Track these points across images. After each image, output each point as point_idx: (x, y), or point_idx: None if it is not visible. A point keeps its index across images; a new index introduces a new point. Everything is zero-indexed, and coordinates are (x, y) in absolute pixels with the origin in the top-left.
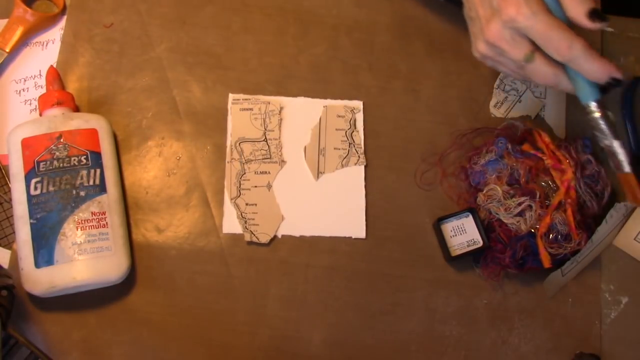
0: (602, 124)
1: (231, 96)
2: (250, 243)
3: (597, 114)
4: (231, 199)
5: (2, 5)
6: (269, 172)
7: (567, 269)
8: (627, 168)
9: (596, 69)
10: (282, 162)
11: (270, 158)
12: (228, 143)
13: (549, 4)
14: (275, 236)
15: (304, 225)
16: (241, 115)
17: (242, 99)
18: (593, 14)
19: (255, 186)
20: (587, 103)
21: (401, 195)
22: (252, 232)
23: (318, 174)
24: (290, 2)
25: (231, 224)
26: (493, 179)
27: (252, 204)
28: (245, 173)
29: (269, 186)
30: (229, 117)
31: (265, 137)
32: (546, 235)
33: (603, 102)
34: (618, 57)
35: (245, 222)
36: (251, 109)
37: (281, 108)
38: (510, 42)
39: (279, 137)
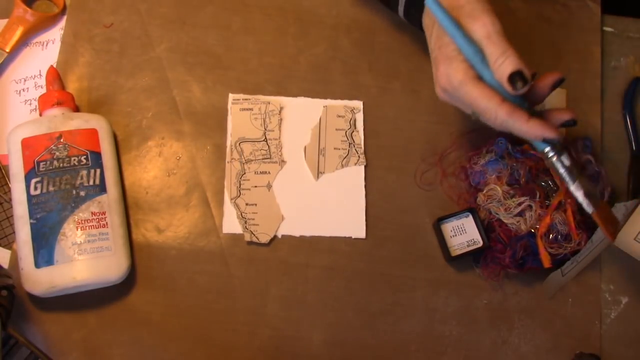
0: (560, 168)
1: (231, 96)
2: (250, 243)
3: (554, 158)
4: (231, 199)
5: (2, 5)
6: (269, 172)
7: (567, 269)
8: (589, 209)
9: (527, 132)
10: (282, 162)
11: (270, 158)
12: (228, 143)
13: (481, 71)
14: (275, 236)
15: (304, 225)
16: (241, 115)
17: (242, 99)
18: (513, 79)
19: (255, 186)
20: (541, 150)
21: (401, 195)
22: (252, 232)
23: (318, 174)
24: (290, 2)
25: (231, 224)
26: (493, 179)
27: (252, 204)
28: (245, 173)
29: (269, 186)
30: (229, 117)
31: (265, 137)
32: (546, 235)
33: (558, 147)
34: (618, 57)
35: (245, 222)
36: (251, 109)
37: (281, 108)
38: (455, 100)
39: (279, 137)
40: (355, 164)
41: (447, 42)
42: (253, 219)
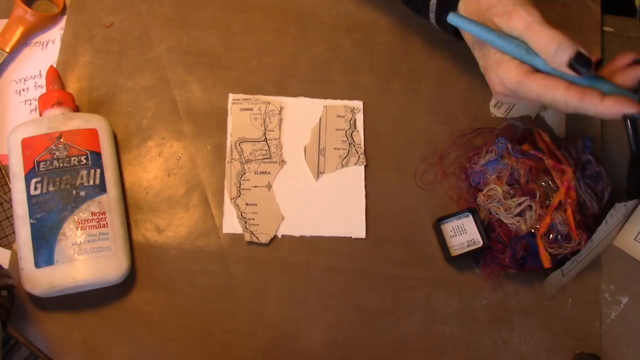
0: None
1: (231, 96)
2: (250, 243)
3: None
4: (231, 199)
5: (2, 5)
6: (269, 172)
7: (567, 269)
8: None
9: (602, 113)
10: (282, 162)
11: (270, 158)
12: (228, 143)
13: (531, 61)
14: (275, 236)
15: (304, 225)
16: (241, 115)
17: (242, 99)
18: (575, 62)
19: (256, 186)
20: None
21: (401, 195)
22: (252, 232)
23: (318, 174)
24: (290, 2)
25: (231, 224)
26: (493, 179)
27: (252, 204)
28: (245, 173)
29: (269, 186)
30: (229, 117)
31: (266, 137)
32: (546, 235)
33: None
34: None
35: (246, 222)
36: (251, 109)
37: (281, 108)
38: (518, 100)
39: (279, 137)
40: (355, 164)
41: (488, 48)
42: (253, 219)
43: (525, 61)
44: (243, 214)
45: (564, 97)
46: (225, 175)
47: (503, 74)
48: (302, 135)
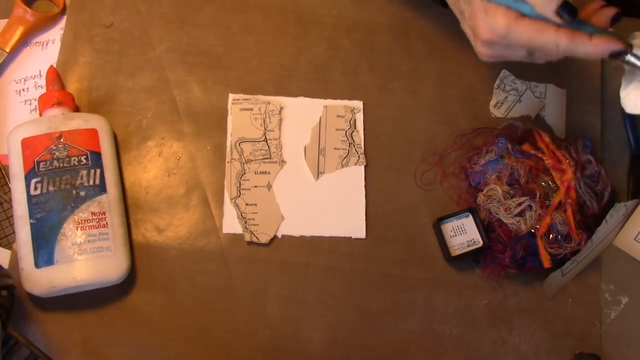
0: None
1: (231, 96)
2: (250, 243)
3: (632, 58)
4: (231, 199)
5: (2, 5)
6: (269, 172)
7: (567, 269)
8: None
9: (592, 52)
10: (282, 162)
11: (270, 158)
12: (228, 143)
13: (520, 7)
14: (275, 236)
15: (304, 225)
16: (241, 115)
17: (242, 99)
18: (562, 10)
19: (255, 186)
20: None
21: (401, 195)
22: (252, 232)
23: (318, 174)
24: (290, 2)
25: (231, 224)
26: (493, 179)
27: (252, 204)
28: (245, 173)
29: (269, 186)
30: (229, 117)
31: (265, 137)
32: (546, 235)
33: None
34: None
35: (245, 222)
36: (251, 109)
37: (281, 108)
38: (504, 49)
39: (279, 137)
40: (356, 164)
41: None
42: (253, 219)
43: (513, 8)
44: (243, 214)
45: (554, 39)
46: (225, 175)
47: (491, 18)
48: (302, 135)
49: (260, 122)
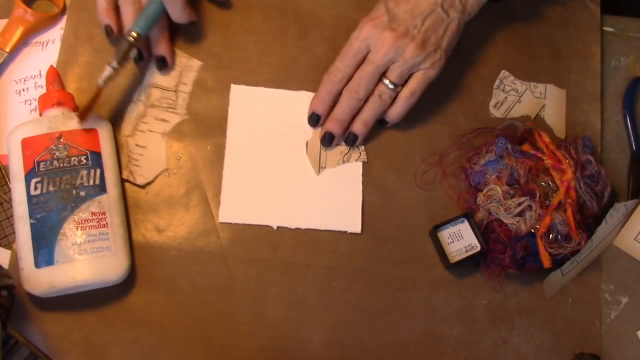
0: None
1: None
2: (126, 181)
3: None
4: (124, 136)
5: (2, 5)
6: (168, 122)
7: (567, 269)
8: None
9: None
10: (184, 115)
11: (174, 109)
12: (227, 143)
13: None
14: (270, 227)
15: (300, 218)
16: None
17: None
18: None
19: (151, 130)
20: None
21: (401, 196)
22: (131, 171)
23: (319, 168)
24: (290, 3)
25: (228, 213)
26: (493, 179)
27: (142, 147)
28: (145, 116)
29: (164, 134)
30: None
31: (177, 89)
32: (546, 235)
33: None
34: (618, 57)
35: (129, 160)
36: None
37: (200, 67)
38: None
39: (189, 92)
40: (357, 160)
41: None
42: (137, 160)
43: None
44: (129, 153)
45: None
46: (126, 116)
47: None
48: (304, 129)
49: (177, 74)
